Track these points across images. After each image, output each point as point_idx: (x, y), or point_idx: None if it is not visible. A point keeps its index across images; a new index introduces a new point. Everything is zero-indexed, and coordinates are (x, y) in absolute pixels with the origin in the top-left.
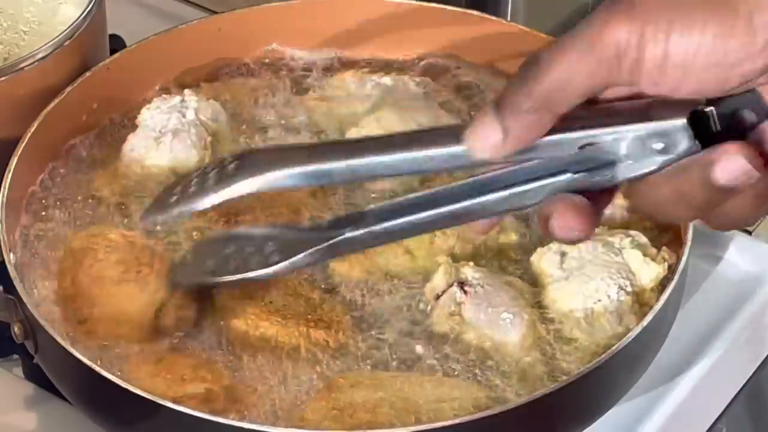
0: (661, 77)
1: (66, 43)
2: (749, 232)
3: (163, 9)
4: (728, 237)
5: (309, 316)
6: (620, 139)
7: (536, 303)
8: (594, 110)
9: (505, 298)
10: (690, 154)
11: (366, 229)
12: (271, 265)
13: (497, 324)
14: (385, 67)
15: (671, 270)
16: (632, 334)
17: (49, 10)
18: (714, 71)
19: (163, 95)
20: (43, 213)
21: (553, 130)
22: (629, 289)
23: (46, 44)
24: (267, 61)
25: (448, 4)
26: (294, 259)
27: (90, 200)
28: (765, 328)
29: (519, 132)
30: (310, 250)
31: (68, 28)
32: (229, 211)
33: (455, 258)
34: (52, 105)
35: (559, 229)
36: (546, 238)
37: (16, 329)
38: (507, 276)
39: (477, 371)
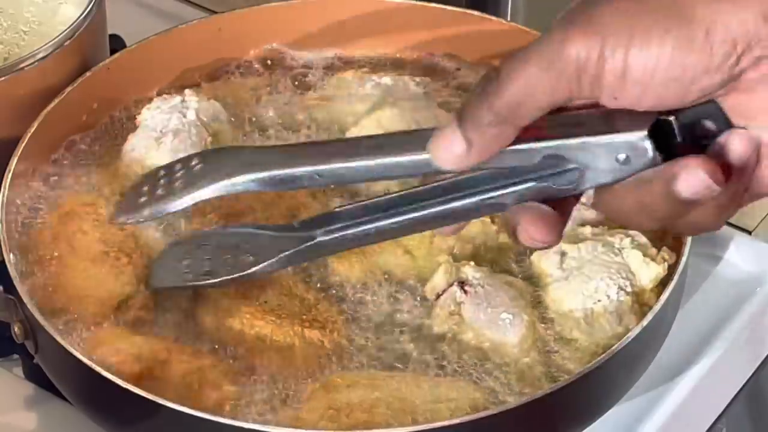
0: (621, 92)
1: (66, 43)
2: (749, 232)
3: (163, 9)
4: (728, 237)
5: (304, 316)
6: (584, 149)
7: (536, 303)
8: (557, 119)
9: (505, 299)
10: (652, 166)
11: (336, 234)
12: (244, 269)
13: (496, 324)
14: (386, 66)
15: (671, 270)
16: (632, 334)
17: (49, 10)
18: (673, 86)
19: (164, 95)
20: (44, 211)
21: (517, 140)
22: (629, 289)
23: (46, 44)
24: (267, 61)
25: (448, 4)
26: (265, 263)
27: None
28: (765, 328)
29: (481, 144)
30: (281, 255)
31: (68, 28)
32: (230, 212)
33: (455, 258)
34: (52, 105)
35: (526, 238)
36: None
37: (16, 329)
38: (508, 276)
39: (475, 372)
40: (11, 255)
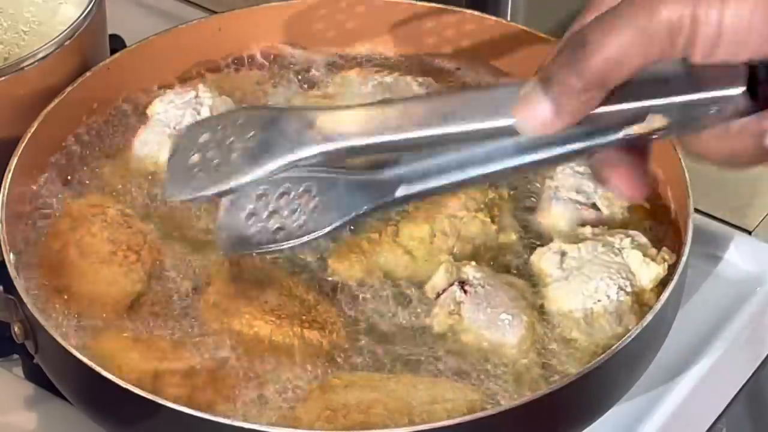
0: (716, 50)
1: (66, 43)
2: (749, 232)
3: (163, 9)
4: (728, 237)
5: (303, 317)
6: (672, 107)
7: (536, 304)
8: (642, 75)
9: (505, 299)
10: (743, 116)
11: (420, 188)
12: (320, 226)
13: (496, 325)
14: (386, 66)
15: (671, 270)
16: (632, 334)
17: (49, 10)
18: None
19: (177, 88)
20: (47, 211)
21: (604, 102)
22: (629, 289)
23: (46, 44)
24: (267, 59)
25: (448, 4)
26: (344, 219)
27: (99, 190)
28: (765, 328)
29: (570, 110)
30: (363, 209)
31: (68, 28)
32: None
33: (455, 258)
34: (52, 105)
35: (618, 194)
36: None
37: (16, 329)
38: (508, 276)
39: (473, 372)
40: (11, 255)
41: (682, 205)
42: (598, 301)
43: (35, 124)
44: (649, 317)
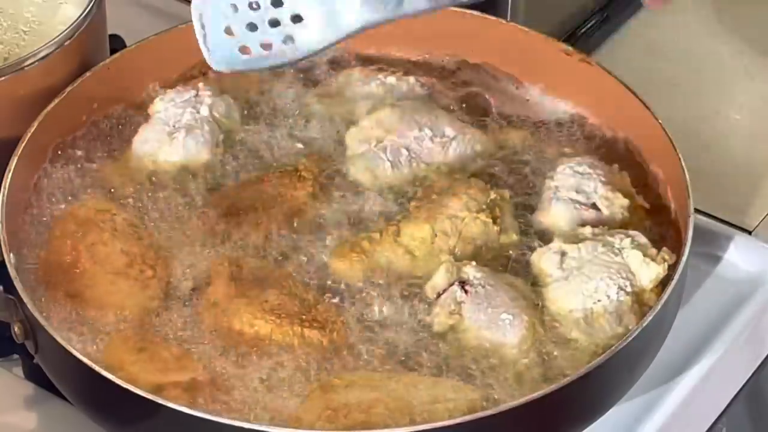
0: None
1: (66, 43)
2: (749, 232)
3: (163, 9)
4: (728, 237)
5: (304, 316)
6: None
7: (537, 304)
8: None
9: (505, 299)
10: None
11: None
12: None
13: (497, 325)
14: (389, 65)
15: (671, 270)
16: (632, 334)
17: (49, 10)
18: None
19: (178, 87)
20: (47, 209)
21: None
22: (629, 289)
23: (46, 44)
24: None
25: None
26: (340, 36)
27: (99, 189)
28: (765, 328)
29: None
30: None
31: (68, 28)
32: (229, 211)
33: (456, 258)
34: (52, 105)
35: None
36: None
37: (16, 329)
38: (509, 276)
39: (474, 372)
40: (11, 255)
41: (682, 205)
42: (598, 301)
43: (35, 124)
44: (649, 317)
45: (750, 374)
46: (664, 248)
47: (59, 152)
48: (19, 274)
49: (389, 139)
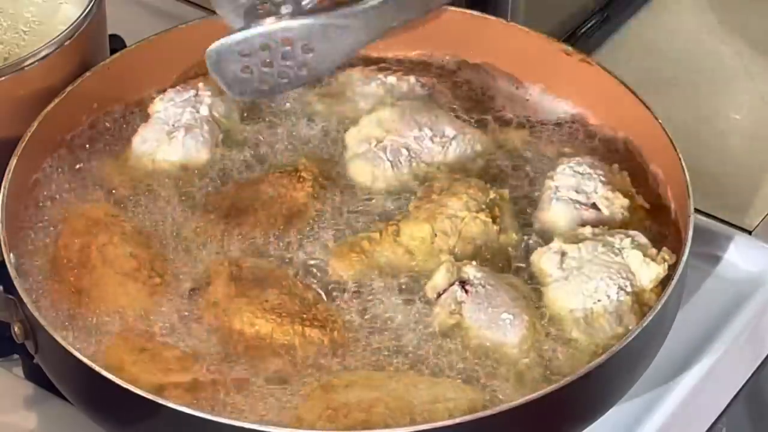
0: None
1: (66, 43)
2: (749, 232)
3: (163, 9)
4: (728, 237)
5: (304, 315)
6: None
7: (537, 304)
8: None
9: (506, 299)
10: None
11: None
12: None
13: (497, 324)
14: (389, 65)
15: (671, 270)
16: (632, 334)
17: (49, 10)
18: None
19: (178, 87)
20: (47, 209)
21: None
22: (629, 289)
23: (46, 44)
24: None
25: (448, 4)
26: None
27: (98, 188)
28: (765, 328)
29: None
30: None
31: (68, 28)
32: (229, 211)
33: (456, 257)
34: (52, 105)
35: None
36: None
37: (16, 329)
38: (509, 276)
39: (474, 372)
40: (11, 255)
41: (682, 205)
42: (598, 301)
43: (35, 124)
44: (649, 317)
45: (750, 374)
46: (664, 248)
47: (59, 152)
48: (19, 274)
49: (389, 139)
